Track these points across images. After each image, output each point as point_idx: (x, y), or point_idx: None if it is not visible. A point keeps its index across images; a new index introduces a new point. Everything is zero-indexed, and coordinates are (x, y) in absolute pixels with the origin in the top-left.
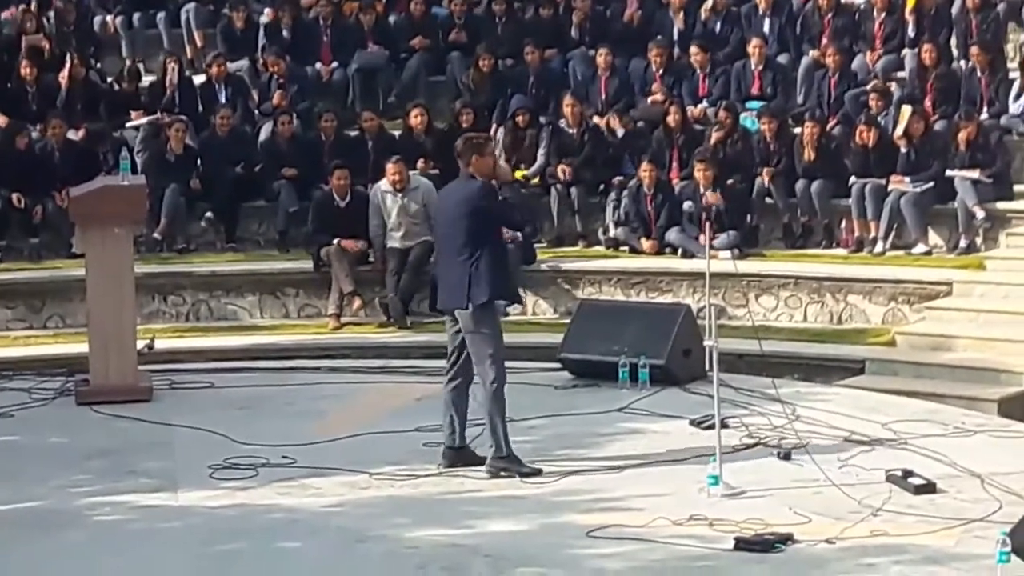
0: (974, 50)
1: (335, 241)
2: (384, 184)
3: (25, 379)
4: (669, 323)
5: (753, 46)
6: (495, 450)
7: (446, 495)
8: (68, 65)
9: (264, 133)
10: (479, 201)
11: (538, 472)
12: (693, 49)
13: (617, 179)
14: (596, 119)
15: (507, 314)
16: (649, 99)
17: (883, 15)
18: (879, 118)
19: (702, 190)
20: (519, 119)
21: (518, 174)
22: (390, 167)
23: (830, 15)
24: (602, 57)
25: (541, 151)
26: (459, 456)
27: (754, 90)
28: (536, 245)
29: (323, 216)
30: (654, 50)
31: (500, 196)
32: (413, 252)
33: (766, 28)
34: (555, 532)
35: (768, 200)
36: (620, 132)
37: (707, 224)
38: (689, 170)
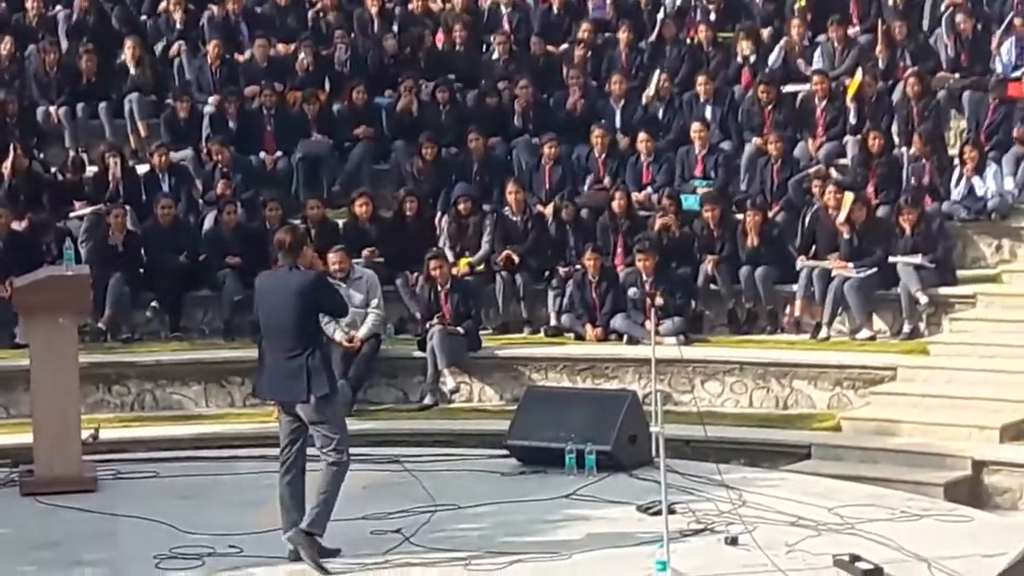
0: (915, 139)
1: None
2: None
3: None
4: (615, 409)
5: (695, 131)
6: (310, 524)
7: None
8: (11, 156)
9: (208, 222)
10: (318, 293)
11: (337, 553)
12: (641, 136)
13: (562, 269)
14: (540, 207)
15: (451, 400)
16: (594, 187)
17: (824, 102)
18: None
19: (644, 278)
20: (462, 207)
21: (463, 262)
22: (332, 256)
23: (770, 106)
24: (547, 147)
25: (485, 238)
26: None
27: (697, 173)
28: (481, 332)
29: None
30: (596, 132)
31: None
32: (362, 345)
33: (708, 115)
34: None
35: (712, 286)
36: (567, 220)
37: (652, 310)
38: (633, 257)
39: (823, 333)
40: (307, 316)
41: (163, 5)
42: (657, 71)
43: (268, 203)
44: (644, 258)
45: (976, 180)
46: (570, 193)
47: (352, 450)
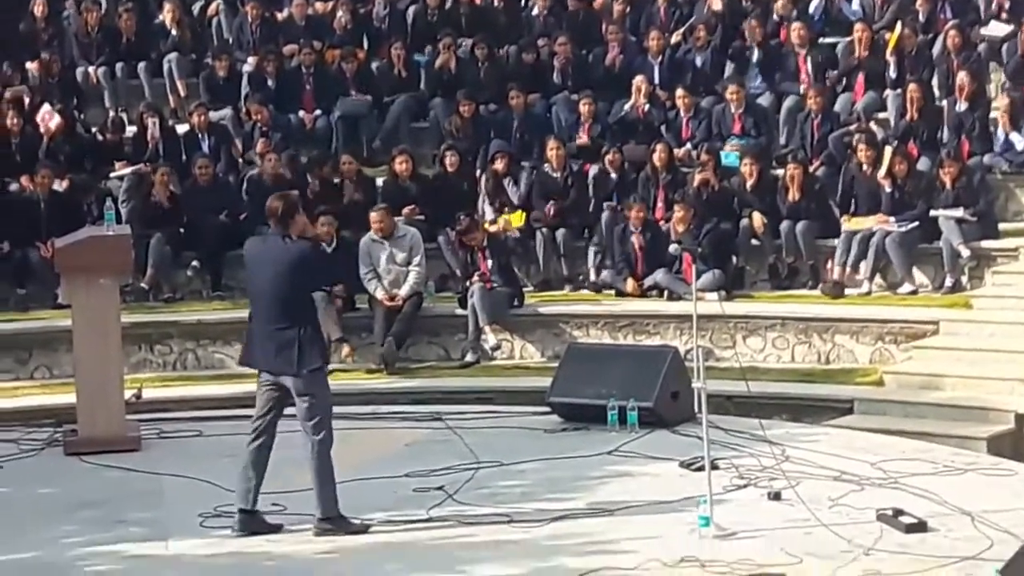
0: (962, 79)
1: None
2: (372, 232)
3: (13, 430)
4: (657, 366)
5: (731, 92)
6: (322, 511)
7: (438, 541)
8: (50, 116)
9: (249, 180)
10: (312, 265)
11: (365, 529)
12: (679, 92)
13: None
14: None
15: (493, 357)
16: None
17: (864, 51)
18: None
19: (680, 230)
20: (499, 164)
21: (502, 219)
22: (374, 215)
23: (804, 51)
24: (586, 104)
25: (520, 191)
26: (251, 520)
27: (736, 131)
28: (522, 289)
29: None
30: (636, 88)
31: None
32: (404, 304)
33: (753, 60)
34: None
35: (754, 241)
36: (613, 175)
37: (692, 266)
38: (673, 212)
39: (862, 289)
40: (301, 289)
41: None
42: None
43: (317, 163)
44: (681, 210)
45: (1015, 136)
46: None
47: (395, 408)
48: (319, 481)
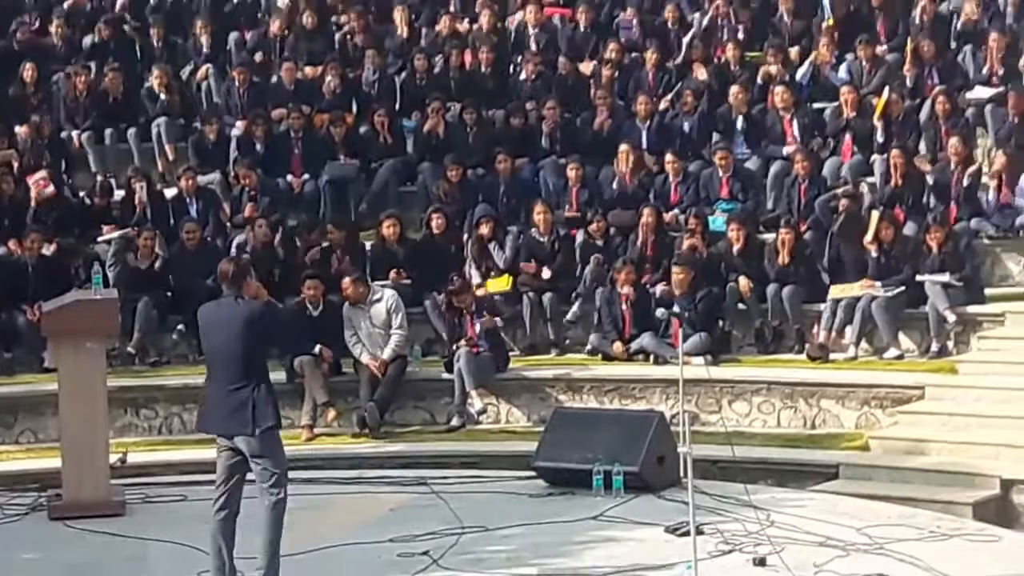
0: (953, 144)
1: (317, 349)
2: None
3: None
4: (643, 430)
5: (718, 157)
6: (265, 572)
7: None
8: (38, 181)
9: (237, 243)
10: (265, 322)
11: None
12: (668, 157)
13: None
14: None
15: (478, 422)
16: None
17: (853, 114)
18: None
19: (678, 293)
20: (484, 228)
21: (495, 281)
22: (345, 282)
23: (789, 115)
24: (573, 169)
25: (506, 255)
26: None
27: (723, 195)
28: (508, 353)
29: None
30: (622, 154)
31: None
32: (389, 368)
33: (737, 128)
34: None
35: (741, 306)
36: (599, 242)
37: (679, 331)
38: (661, 275)
39: (848, 353)
40: (254, 347)
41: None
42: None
43: (300, 230)
44: (680, 272)
45: (1020, 198)
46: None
47: (379, 474)
48: (270, 548)
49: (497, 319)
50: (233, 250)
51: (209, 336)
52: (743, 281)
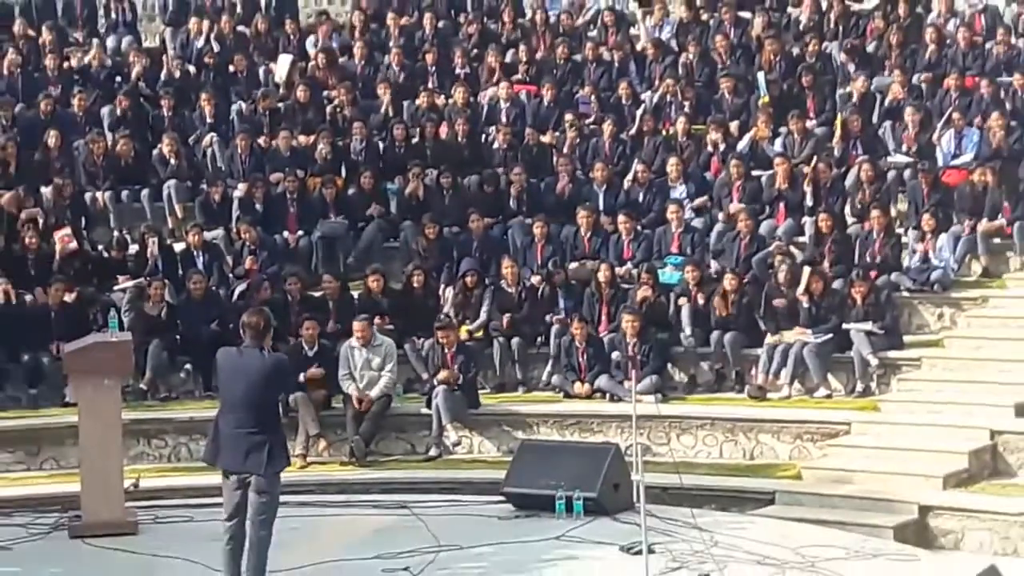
0: (874, 213)
1: (303, 378)
2: (352, 340)
3: (23, 515)
4: (600, 460)
5: (671, 211)
6: None
7: None
8: (61, 236)
9: (238, 293)
10: (286, 375)
11: None
12: (621, 217)
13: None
14: (534, 279)
15: (453, 452)
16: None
17: (786, 185)
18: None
19: (628, 340)
20: (468, 279)
21: (463, 329)
22: (357, 325)
23: (739, 182)
24: (538, 228)
25: (484, 308)
26: None
27: (673, 250)
28: (480, 391)
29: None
30: (582, 213)
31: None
32: (375, 403)
33: (681, 194)
34: None
35: (686, 350)
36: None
37: (632, 370)
38: (617, 323)
39: (782, 393)
40: (273, 396)
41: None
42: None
43: (288, 278)
44: (631, 320)
45: (935, 252)
46: (558, 264)
47: (364, 498)
48: (252, 568)
49: (459, 378)
50: (235, 297)
51: (230, 381)
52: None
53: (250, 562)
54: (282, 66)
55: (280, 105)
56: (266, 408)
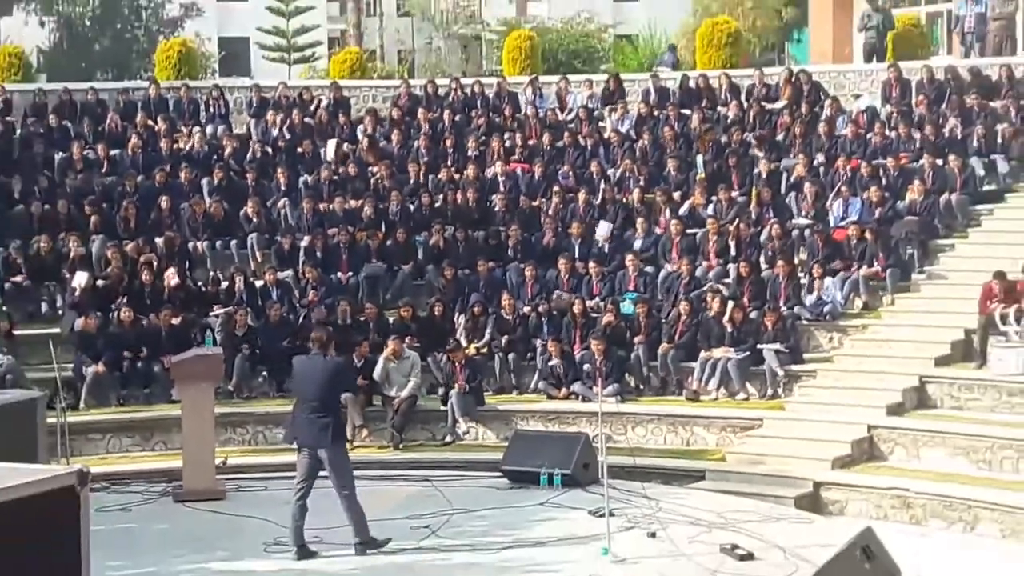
0: (781, 262)
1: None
2: (386, 353)
3: (138, 485)
4: (574, 445)
5: (629, 260)
6: (359, 535)
7: (426, 563)
8: (170, 275)
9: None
10: (343, 374)
11: (386, 543)
12: (591, 263)
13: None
14: (526, 309)
15: (463, 439)
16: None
17: (715, 238)
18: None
19: (596, 355)
20: (476, 309)
21: (472, 347)
22: (391, 342)
23: (678, 238)
24: (529, 270)
25: (488, 331)
26: (303, 550)
27: (630, 288)
28: (484, 393)
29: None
30: (562, 260)
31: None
32: (404, 402)
33: (638, 246)
34: None
35: (640, 362)
36: (544, 318)
37: (599, 378)
38: (587, 343)
39: (711, 396)
40: (333, 390)
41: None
42: (602, 221)
43: (340, 303)
44: (597, 343)
45: (826, 291)
46: (544, 298)
47: (396, 472)
48: (353, 519)
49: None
50: (301, 321)
51: (302, 380)
52: (637, 340)
53: (349, 517)
54: (329, 148)
55: (336, 177)
56: (329, 400)
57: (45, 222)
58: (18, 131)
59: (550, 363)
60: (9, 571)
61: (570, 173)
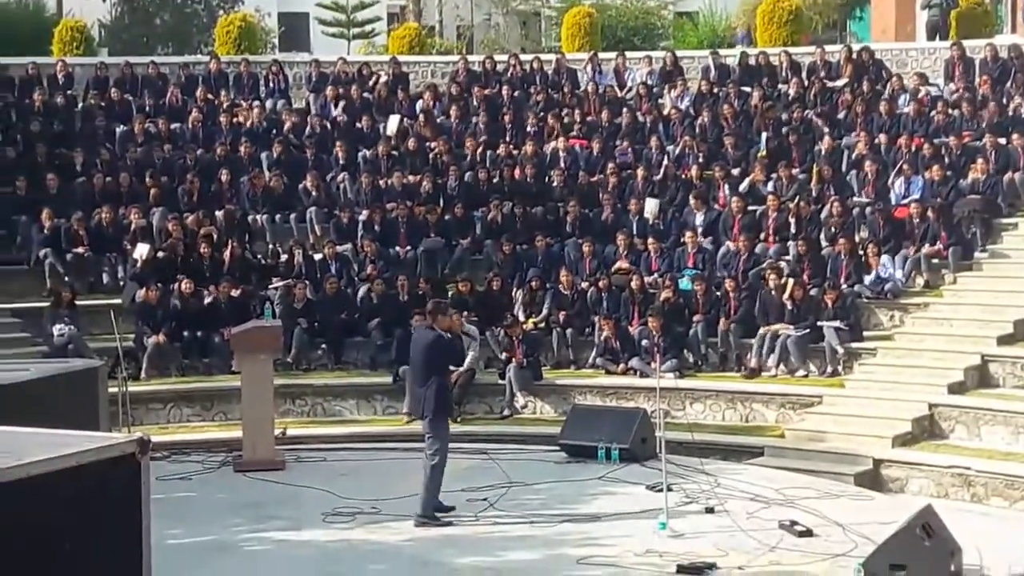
0: (842, 239)
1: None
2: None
3: (199, 455)
4: (632, 420)
5: (688, 237)
6: (422, 510)
7: (482, 535)
8: (230, 247)
9: (362, 292)
10: (437, 347)
11: (452, 508)
12: (650, 240)
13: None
14: (584, 284)
15: (521, 413)
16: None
17: (775, 215)
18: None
19: (654, 331)
20: (534, 284)
21: (530, 322)
22: (454, 316)
23: (740, 215)
24: (587, 246)
25: (546, 306)
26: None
27: (689, 264)
28: (542, 368)
29: (402, 346)
30: (620, 236)
31: (451, 342)
32: (463, 376)
33: (698, 222)
34: (555, 560)
35: (700, 338)
36: (604, 294)
37: (657, 354)
38: (645, 319)
39: (771, 372)
40: (429, 360)
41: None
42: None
43: (398, 278)
44: (654, 319)
45: (883, 267)
46: (602, 274)
47: (454, 445)
48: (427, 490)
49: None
50: (360, 294)
51: (412, 351)
52: (696, 319)
53: (424, 488)
54: (392, 124)
55: (394, 152)
56: (428, 369)
57: (106, 194)
58: (80, 104)
59: (606, 341)
60: (72, 532)
61: (628, 150)
